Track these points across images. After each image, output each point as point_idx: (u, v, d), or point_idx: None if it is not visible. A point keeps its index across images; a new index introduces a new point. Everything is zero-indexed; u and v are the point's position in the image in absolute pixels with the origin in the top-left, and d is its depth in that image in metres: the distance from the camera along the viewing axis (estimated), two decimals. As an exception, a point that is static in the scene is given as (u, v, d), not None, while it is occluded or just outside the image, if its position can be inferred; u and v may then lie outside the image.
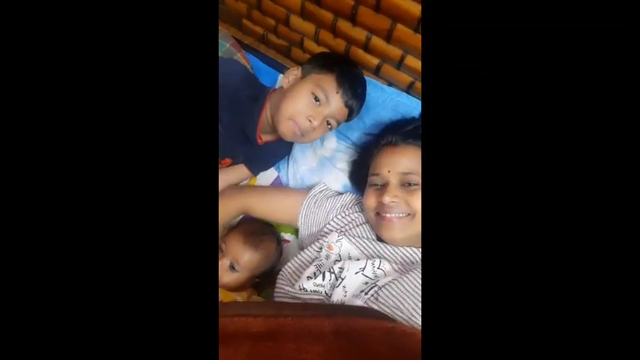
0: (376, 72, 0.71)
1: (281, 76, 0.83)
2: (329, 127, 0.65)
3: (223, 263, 0.63)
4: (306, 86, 0.62)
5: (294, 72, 0.66)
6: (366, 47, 0.66)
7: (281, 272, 0.60)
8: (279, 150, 0.76)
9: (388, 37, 0.61)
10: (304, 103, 0.61)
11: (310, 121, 0.61)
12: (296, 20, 0.70)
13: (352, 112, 0.66)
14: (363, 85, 0.67)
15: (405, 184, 0.56)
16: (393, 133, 0.62)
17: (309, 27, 0.69)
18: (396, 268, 0.54)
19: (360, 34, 0.64)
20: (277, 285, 0.58)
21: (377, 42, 0.64)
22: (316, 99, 0.61)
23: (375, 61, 0.69)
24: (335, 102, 0.62)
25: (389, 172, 0.57)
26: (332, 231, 0.62)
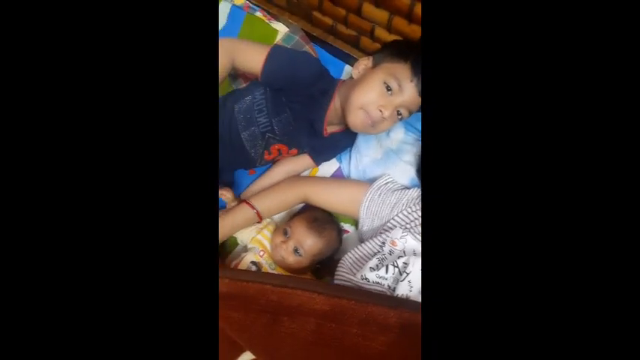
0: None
1: (347, 66, 0.83)
2: (399, 117, 0.62)
3: (288, 246, 0.66)
4: (377, 75, 0.60)
5: (365, 62, 0.65)
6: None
7: (342, 260, 0.59)
8: (343, 141, 0.76)
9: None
10: (376, 92, 0.60)
11: (381, 111, 0.59)
12: (368, 8, 0.68)
13: None
14: None
15: None
16: None
17: (381, 14, 0.68)
18: None
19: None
20: (338, 272, 0.57)
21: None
22: (388, 88, 0.59)
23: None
24: (409, 91, 0.60)
25: None
26: (396, 226, 0.60)
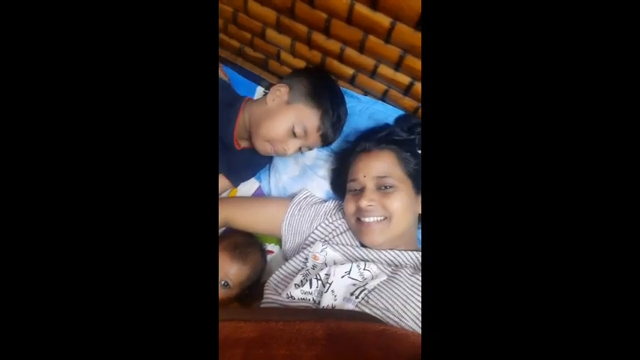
0: (351, 81, 0.74)
1: (259, 88, 0.84)
2: (301, 151, 0.69)
3: None
4: (288, 116, 0.65)
5: (282, 90, 0.67)
6: (341, 58, 0.69)
7: (267, 282, 0.59)
8: (260, 159, 0.76)
9: (361, 48, 0.64)
10: (283, 131, 0.65)
11: (285, 149, 0.65)
12: (272, 33, 0.71)
13: (328, 144, 0.70)
14: (344, 120, 0.71)
15: (381, 187, 0.58)
16: (366, 139, 0.65)
17: (284, 40, 0.71)
18: (383, 268, 0.55)
19: (334, 45, 0.67)
20: (265, 295, 0.57)
21: (351, 53, 0.66)
22: (294, 131, 0.65)
23: (349, 71, 0.71)
24: (313, 137, 0.66)
25: (364, 177, 0.59)
26: (316, 240, 0.63)
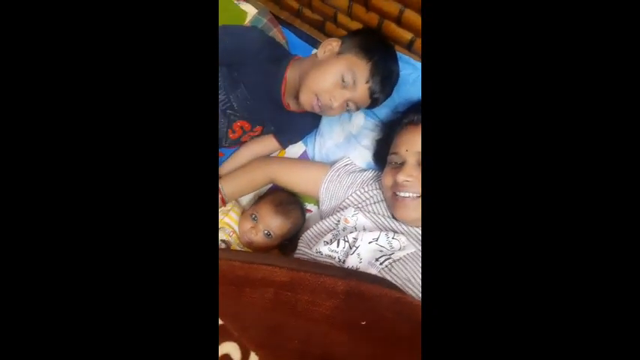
0: (409, 47, 0.70)
1: (314, 50, 0.84)
2: (348, 108, 0.66)
3: (258, 230, 0.71)
4: (338, 65, 0.62)
5: (333, 44, 0.66)
6: (399, 21, 0.65)
7: (301, 237, 0.65)
8: (307, 123, 0.79)
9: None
10: (331, 82, 0.62)
11: (331, 100, 0.62)
12: (330, -6, 0.70)
13: (375, 103, 0.66)
14: (395, 80, 0.67)
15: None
16: (416, 111, 0.62)
17: (342, 1, 0.69)
18: (413, 242, 0.55)
19: (393, 7, 0.63)
20: (298, 247, 0.63)
21: (410, 15, 0.62)
22: (344, 81, 0.62)
23: (407, 35, 0.68)
24: (361, 89, 0.63)
25: (407, 151, 0.57)
26: (349, 206, 0.65)
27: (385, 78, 0.64)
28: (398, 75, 0.68)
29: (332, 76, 0.62)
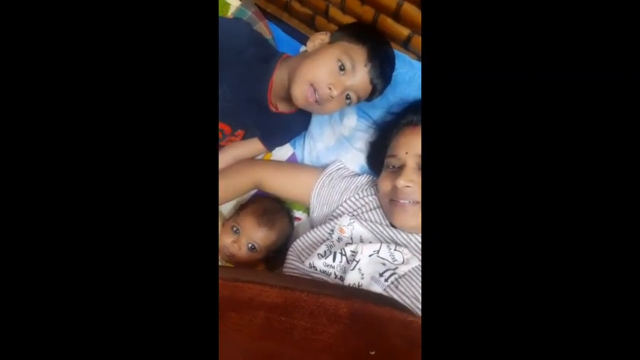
0: (405, 44, 0.67)
1: (302, 47, 0.79)
2: (348, 101, 0.60)
3: (241, 244, 0.64)
4: (333, 51, 0.57)
5: (322, 37, 0.61)
6: (397, 15, 0.61)
7: (291, 248, 0.59)
8: (296, 125, 0.73)
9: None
10: (328, 68, 0.56)
11: (330, 89, 0.56)
12: (322, -15, 0.65)
13: (375, 92, 0.61)
14: (392, 66, 0.62)
15: None
16: (415, 112, 0.58)
17: (335, -7, 0.65)
18: (415, 253, 0.51)
19: (390, 0, 0.59)
20: (287, 260, 0.57)
21: (409, 9, 0.59)
22: (341, 67, 0.56)
23: (405, 31, 0.64)
24: (361, 75, 0.58)
25: (406, 153, 0.54)
26: (344, 213, 0.60)
27: (383, 61, 0.59)
28: (394, 60, 0.63)
29: (329, 62, 0.56)
